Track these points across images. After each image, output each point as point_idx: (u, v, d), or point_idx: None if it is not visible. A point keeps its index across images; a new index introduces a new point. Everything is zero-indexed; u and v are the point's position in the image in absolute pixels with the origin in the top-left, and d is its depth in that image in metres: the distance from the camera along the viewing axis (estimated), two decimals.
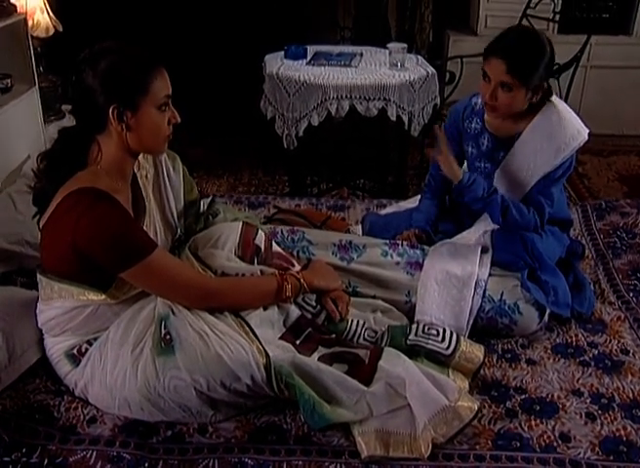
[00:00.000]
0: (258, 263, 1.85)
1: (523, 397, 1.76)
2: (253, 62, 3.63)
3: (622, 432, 1.64)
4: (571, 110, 2.15)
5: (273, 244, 1.94)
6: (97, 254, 1.59)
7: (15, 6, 2.81)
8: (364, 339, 1.84)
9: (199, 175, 3.99)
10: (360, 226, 2.51)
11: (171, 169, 1.91)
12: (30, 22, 2.95)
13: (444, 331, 1.82)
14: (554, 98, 2.12)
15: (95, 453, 1.56)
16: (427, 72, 3.34)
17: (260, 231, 1.92)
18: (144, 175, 1.84)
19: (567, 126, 2.09)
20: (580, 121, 2.12)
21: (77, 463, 1.53)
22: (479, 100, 2.20)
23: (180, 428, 1.64)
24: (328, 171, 3.96)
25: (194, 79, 3.94)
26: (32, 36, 2.94)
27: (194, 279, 1.72)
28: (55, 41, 3.19)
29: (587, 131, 2.09)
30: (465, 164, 2.38)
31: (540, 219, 2.13)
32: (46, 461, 1.53)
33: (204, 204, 2.07)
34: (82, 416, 1.67)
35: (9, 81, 2.85)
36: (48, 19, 3.05)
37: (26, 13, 2.89)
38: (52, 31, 3.10)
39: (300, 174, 3.71)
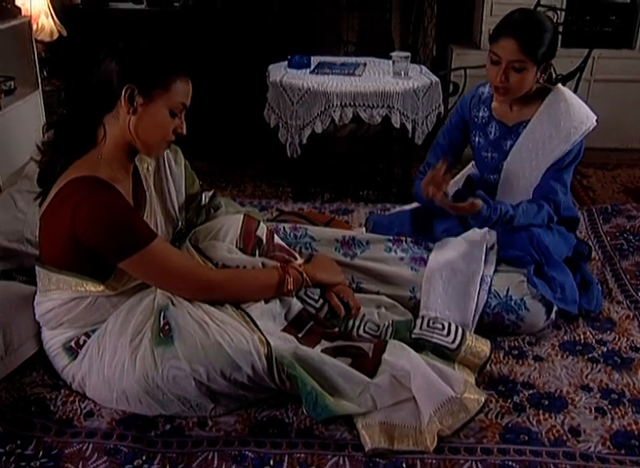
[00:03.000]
0: (259, 255, 1.82)
1: (531, 392, 1.72)
2: (256, 76, 3.64)
3: (634, 426, 1.60)
4: (577, 97, 2.14)
5: (275, 236, 1.91)
6: (95, 243, 1.57)
7: (19, 8, 2.83)
8: (365, 332, 1.80)
9: (202, 187, 3.96)
10: (364, 228, 2.48)
11: (172, 161, 1.89)
12: (35, 26, 2.96)
13: (449, 324, 1.79)
14: (560, 86, 2.12)
15: (91, 446, 1.52)
16: (431, 81, 3.34)
17: (261, 223, 1.89)
18: (146, 168, 1.82)
19: (575, 111, 2.09)
20: (587, 107, 2.12)
21: (73, 455, 1.49)
22: (486, 89, 2.20)
23: (180, 422, 1.60)
24: (331, 181, 3.94)
25: (198, 88, 3.94)
26: (36, 40, 2.96)
27: (194, 270, 1.69)
28: (59, 46, 3.20)
29: (595, 117, 2.08)
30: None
31: (555, 208, 2.10)
32: (41, 453, 1.49)
33: (205, 197, 2.05)
34: (79, 410, 1.63)
35: (12, 83, 2.86)
36: (52, 23, 3.06)
37: (31, 16, 2.90)
38: (56, 35, 3.12)
39: (304, 184, 3.70)
